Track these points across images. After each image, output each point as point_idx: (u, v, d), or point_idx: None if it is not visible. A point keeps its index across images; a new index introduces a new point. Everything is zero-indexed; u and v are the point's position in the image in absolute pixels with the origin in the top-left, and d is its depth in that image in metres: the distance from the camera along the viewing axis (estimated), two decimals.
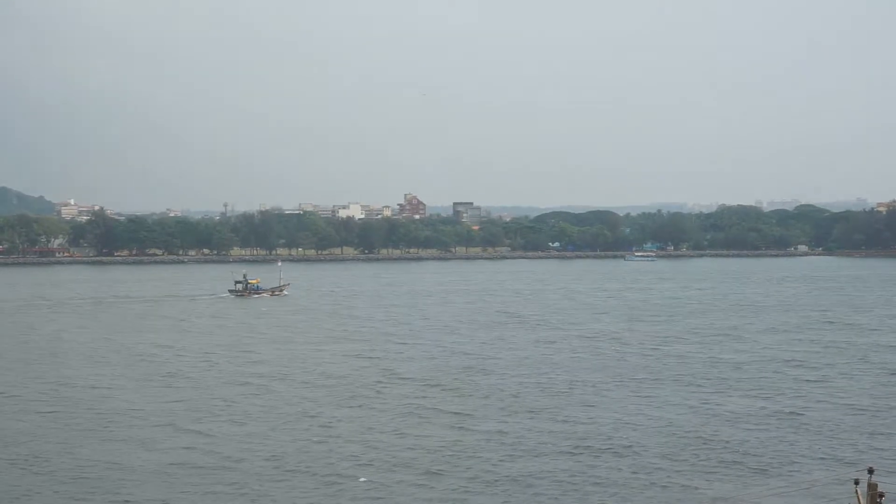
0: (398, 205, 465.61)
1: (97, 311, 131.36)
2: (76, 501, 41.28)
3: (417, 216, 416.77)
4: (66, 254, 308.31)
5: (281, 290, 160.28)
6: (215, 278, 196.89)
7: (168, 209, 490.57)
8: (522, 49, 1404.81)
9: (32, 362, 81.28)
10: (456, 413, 58.18)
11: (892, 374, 72.23)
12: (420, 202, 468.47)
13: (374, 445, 50.23)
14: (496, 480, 43.56)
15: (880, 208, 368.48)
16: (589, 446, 49.60)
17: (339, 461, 47.19)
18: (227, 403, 61.96)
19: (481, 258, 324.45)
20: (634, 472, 44.60)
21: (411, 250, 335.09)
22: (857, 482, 23.00)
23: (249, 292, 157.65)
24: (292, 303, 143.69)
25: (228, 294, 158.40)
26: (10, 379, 72.24)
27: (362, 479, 43.89)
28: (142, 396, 64.67)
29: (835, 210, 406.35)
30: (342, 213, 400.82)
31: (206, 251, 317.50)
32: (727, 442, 50.26)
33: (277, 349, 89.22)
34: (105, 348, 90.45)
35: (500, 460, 46.96)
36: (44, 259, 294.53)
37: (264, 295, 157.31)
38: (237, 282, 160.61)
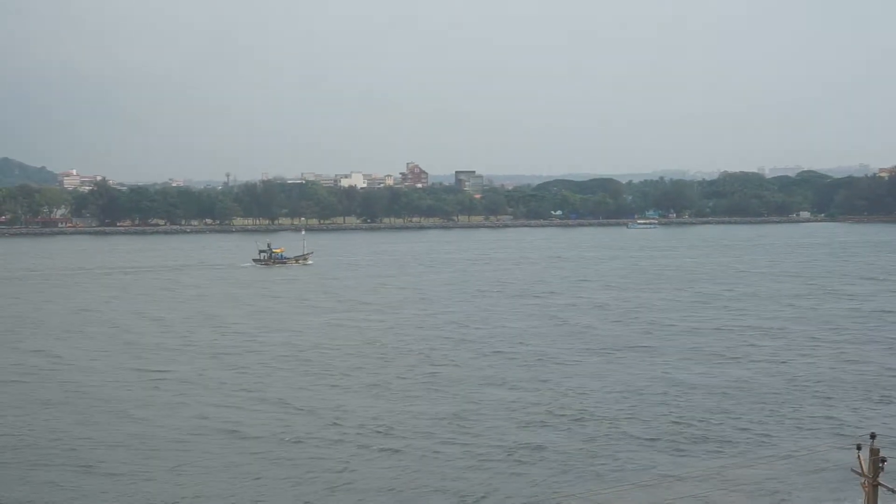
0: (400, 174, 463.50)
1: (124, 281, 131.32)
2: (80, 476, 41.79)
3: (420, 185, 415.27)
4: (68, 224, 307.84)
5: (305, 259, 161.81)
6: (233, 247, 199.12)
7: (170, 179, 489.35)
8: (520, 18, 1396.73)
9: (58, 335, 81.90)
10: (444, 383, 58.68)
11: (893, 340, 72.47)
12: (422, 171, 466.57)
13: (364, 416, 50.71)
14: (493, 451, 44.03)
15: (882, 174, 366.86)
16: (589, 417, 50.02)
17: (333, 433, 47.66)
18: (246, 374, 62.52)
19: (483, 227, 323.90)
20: (635, 441, 45.00)
21: (413, 219, 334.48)
22: (859, 447, 23.23)
23: (274, 261, 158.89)
24: (315, 271, 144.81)
25: (253, 263, 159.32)
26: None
27: (358, 449, 44.34)
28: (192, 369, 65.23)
29: (837, 176, 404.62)
30: (344, 183, 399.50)
31: (208, 221, 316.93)
32: (730, 410, 50.67)
33: (295, 318, 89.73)
34: (142, 319, 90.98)
35: (489, 430, 47.43)
36: (46, 229, 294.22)
37: (289, 263, 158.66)
38: (261, 251, 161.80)
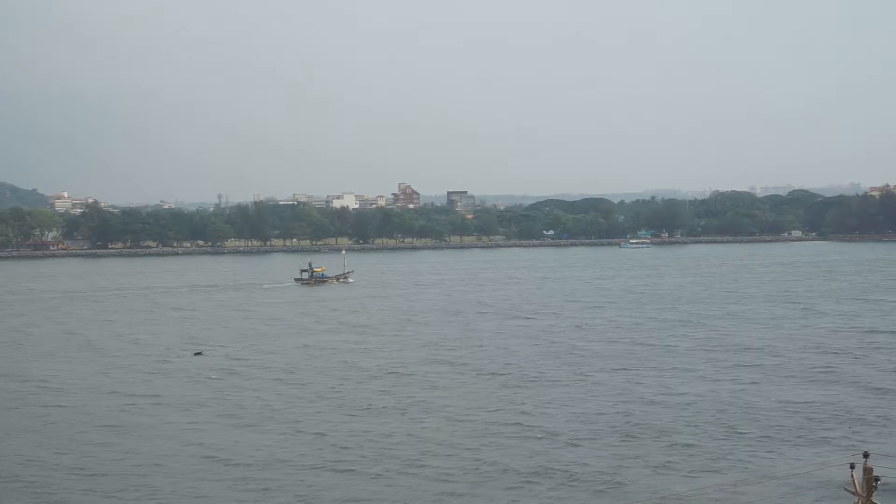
0: (392, 194, 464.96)
1: (185, 300, 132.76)
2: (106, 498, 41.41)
3: (412, 205, 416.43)
4: (60, 246, 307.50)
5: (346, 278, 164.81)
6: (253, 268, 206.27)
7: (162, 201, 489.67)
8: (513, 38, 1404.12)
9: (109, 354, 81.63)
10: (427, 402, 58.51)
11: (884, 358, 72.36)
12: (414, 191, 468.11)
13: (346, 437, 50.41)
14: (479, 469, 43.78)
15: (873, 193, 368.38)
16: (582, 436, 49.78)
17: (323, 452, 47.34)
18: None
19: (476, 247, 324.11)
20: (631, 458, 44.74)
21: (406, 240, 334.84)
22: (852, 466, 23.12)
23: (315, 280, 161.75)
24: (359, 290, 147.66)
25: (295, 282, 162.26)
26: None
27: (348, 471, 44.01)
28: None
29: (828, 195, 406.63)
30: (336, 204, 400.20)
31: (200, 243, 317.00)
32: (719, 428, 50.44)
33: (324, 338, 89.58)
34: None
35: (480, 447, 47.19)
36: (38, 252, 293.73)
37: (330, 282, 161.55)
38: (303, 270, 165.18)
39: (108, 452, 47.60)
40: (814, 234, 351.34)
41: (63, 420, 55.22)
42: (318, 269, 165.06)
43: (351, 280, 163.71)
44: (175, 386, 65.72)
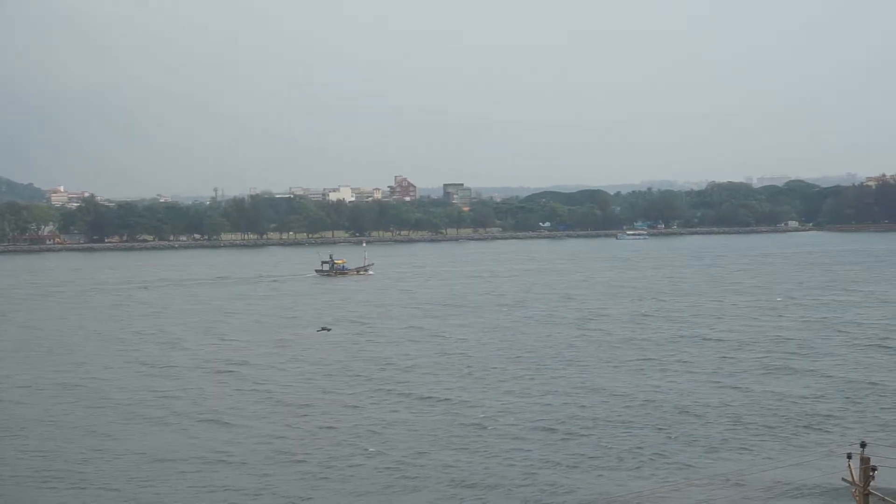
0: (389, 187, 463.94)
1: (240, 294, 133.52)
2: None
3: (408, 198, 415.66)
4: (56, 241, 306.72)
5: (366, 270, 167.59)
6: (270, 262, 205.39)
7: (158, 194, 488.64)
8: (509, 33, 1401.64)
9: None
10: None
11: (877, 348, 72.34)
12: (410, 184, 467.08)
13: (349, 427, 50.47)
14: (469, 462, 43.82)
15: (870, 183, 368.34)
16: (593, 425, 49.82)
17: (321, 450, 47.37)
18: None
19: (472, 239, 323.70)
20: (626, 451, 44.77)
21: (402, 232, 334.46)
22: (849, 456, 23.15)
23: (336, 272, 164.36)
24: (381, 281, 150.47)
25: (315, 274, 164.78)
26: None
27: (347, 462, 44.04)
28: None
29: (824, 185, 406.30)
30: (333, 196, 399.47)
31: (196, 236, 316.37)
32: (716, 418, 50.48)
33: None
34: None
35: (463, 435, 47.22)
36: (34, 246, 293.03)
37: (350, 274, 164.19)
38: (324, 262, 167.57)
39: (101, 453, 47.68)
40: (810, 224, 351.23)
41: (53, 421, 55.30)
42: (339, 262, 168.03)
43: (371, 272, 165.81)
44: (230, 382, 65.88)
